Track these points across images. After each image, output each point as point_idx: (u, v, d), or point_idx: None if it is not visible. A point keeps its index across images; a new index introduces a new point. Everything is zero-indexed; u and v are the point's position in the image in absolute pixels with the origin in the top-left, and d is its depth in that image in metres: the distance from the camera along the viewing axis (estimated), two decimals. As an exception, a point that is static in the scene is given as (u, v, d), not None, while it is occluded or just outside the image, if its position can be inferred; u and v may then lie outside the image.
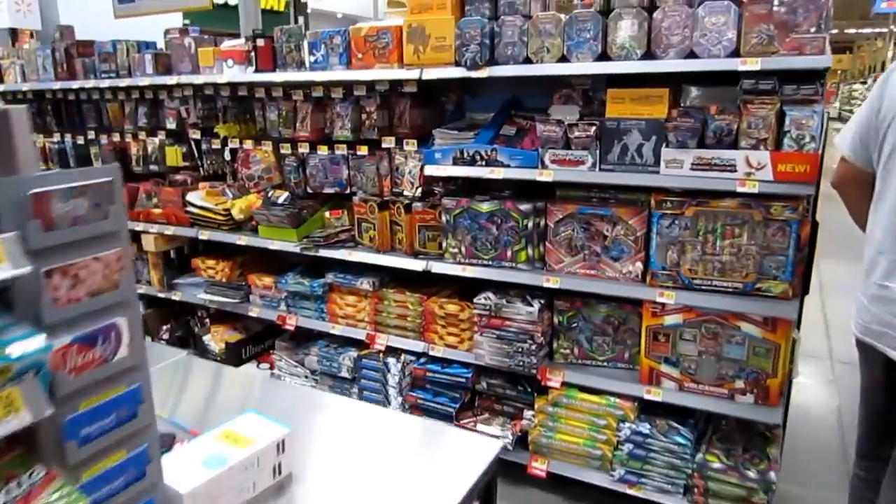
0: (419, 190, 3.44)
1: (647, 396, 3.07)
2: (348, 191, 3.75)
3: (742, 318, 2.84)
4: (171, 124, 4.46)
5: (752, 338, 2.85)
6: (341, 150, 3.67)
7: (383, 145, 3.51)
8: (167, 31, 4.35)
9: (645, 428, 3.09)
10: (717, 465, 2.96)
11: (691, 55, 2.61)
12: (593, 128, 2.87)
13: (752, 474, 2.90)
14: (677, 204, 2.83)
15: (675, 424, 3.12)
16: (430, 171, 3.29)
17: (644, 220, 2.98)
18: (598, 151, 2.91)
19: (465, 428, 3.44)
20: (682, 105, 2.81)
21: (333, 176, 3.77)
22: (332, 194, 3.85)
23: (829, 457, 3.82)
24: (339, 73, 3.44)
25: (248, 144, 4.02)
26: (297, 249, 3.74)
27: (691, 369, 2.99)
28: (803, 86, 2.53)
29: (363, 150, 3.58)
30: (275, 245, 3.83)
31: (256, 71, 3.73)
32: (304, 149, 3.80)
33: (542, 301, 3.24)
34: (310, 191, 3.89)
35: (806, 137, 2.53)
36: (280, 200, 3.82)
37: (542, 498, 3.43)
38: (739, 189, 2.67)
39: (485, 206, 3.23)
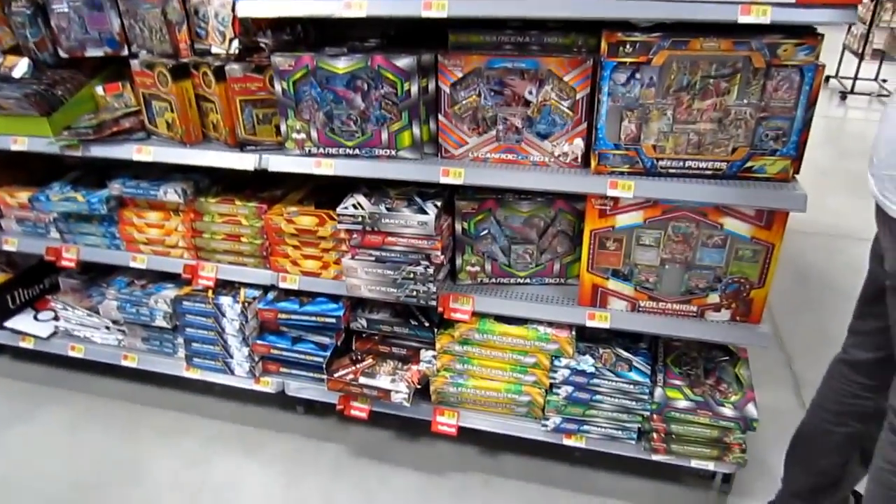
0: (235, 44, 2.19)
1: (589, 323, 2.23)
2: (126, 52, 2.42)
3: (727, 213, 2.00)
4: None
5: (737, 238, 2.03)
6: (102, -16, 2.30)
7: (168, -29, 2.19)
8: None
9: (588, 364, 2.29)
10: (682, 403, 2.23)
11: None
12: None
13: (727, 411, 2.21)
14: (642, 47, 1.83)
15: (626, 354, 2.34)
16: (248, 10, 2.03)
17: (587, 74, 1.98)
18: (518, -35, 1.82)
19: (342, 383, 2.49)
20: None
21: (97, 28, 2.41)
22: (102, 59, 2.50)
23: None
24: None
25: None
26: (57, 148, 2.43)
27: (649, 283, 2.16)
28: None
29: (137, -17, 2.24)
30: (19, 144, 2.48)
31: None
32: (37, -16, 2.37)
33: (439, 203, 2.23)
34: (64, 55, 2.50)
35: (860, -76, 1.58)
36: (16, 73, 2.43)
37: (451, 453, 2.63)
38: (742, 19, 1.71)
39: (341, 65, 2.08)
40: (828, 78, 8.72)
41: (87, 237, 2.70)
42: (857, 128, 7.47)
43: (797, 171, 1.96)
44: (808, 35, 1.79)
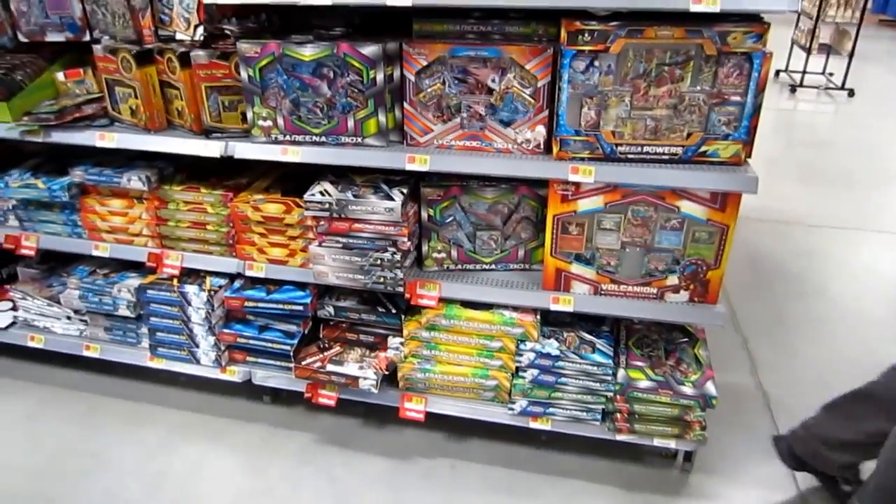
0: (200, 31, 2.19)
1: (553, 307, 2.29)
2: (87, 37, 2.39)
3: (683, 196, 2.07)
4: None
5: (693, 220, 2.11)
6: (61, -31, 2.27)
7: (130, -44, 2.17)
8: None
9: (552, 347, 2.35)
10: (644, 383, 2.31)
11: None
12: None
13: (687, 389, 2.28)
14: (599, 35, 1.89)
15: (589, 336, 2.40)
16: (213, -4, 2.05)
17: (547, 62, 2.04)
18: (481, -46, 1.86)
19: (310, 371, 2.50)
20: None
21: (58, 13, 2.38)
22: (62, 44, 2.46)
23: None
24: None
25: None
26: (17, 134, 2.39)
27: (610, 267, 2.23)
28: None
29: (98, -33, 2.22)
30: (-26, 130, 2.43)
31: None
32: (-6, -33, 2.33)
33: (405, 190, 2.26)
34: (24, 39, 2.46)
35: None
36: (-29, 57, 2.39)
37: (418, 439, 2.66)
38: (693, 7, 1.79)
39: (308, 52, 2.10)
40: (778, 72, 9.00)
41: (47, 225, 2.66)
42: (807, 119, 7.73)
43: (749, 155, 2.04)
44: (755, 23, 1.87)
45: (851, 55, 8.19)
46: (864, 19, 8.30)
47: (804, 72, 8.49)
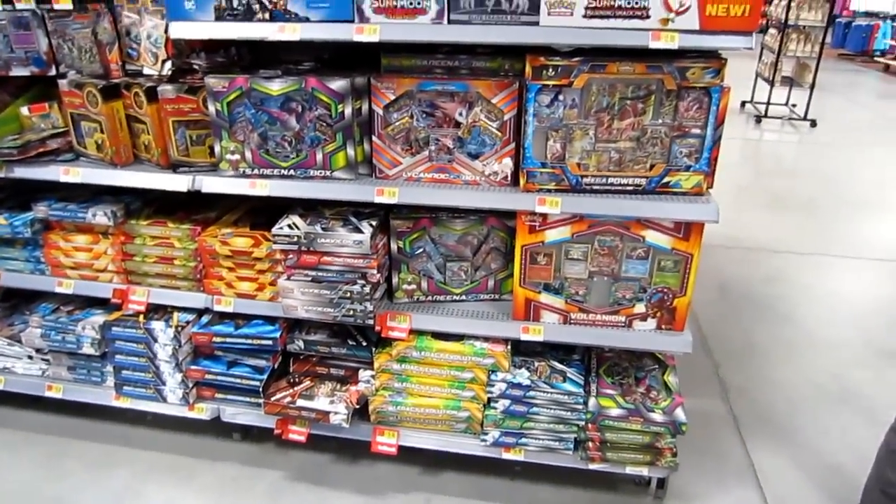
0: (168, 65, 2.19)
1: (524, 336, 2.29)
2: (53, 72, 2.38)
3: (647, 226, 2.11)
4: None
5: (658, 249, 2.14)
6: (28, 3, 2.27)
7: (97, -7, 2.18)
8: None
9: (523, 377, 2.34)
10: (615, 411, 2.31)
11: None
12: (438, -48, 1.83)
13: (657, 416, 2.29)
14: (563, 70, 1.93)
15: (560, 366, 2.41)
16: (181, 31, 2.04)
17: (514, 96, 2.07)
18: (446, -8, 1.90)
19: (280, 406, 2.46)
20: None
21: (24, 48, 2.37)
22: (28, 78, 2.45)
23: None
24: None
25: None
26: (-22, 171, 2.36)
27: (579, 296, 2.25)
28: None
29: (65, 3, 2.21)
30: (-65, 166, 2.39)
31: None
32: (-41, 4, 2.32)
33: (374, 223, 2.26)
34: (-13, 75, 2.45)
35: (754, -39, 1.73)
36: (-67, 93, 2.37)
37: (391, 473, 2.62)
38: (653, 44, 1.84)
39: (275, 87, 2.11)
40: (743, 103, 9.26)
41: (8, 262, 2.61)
42: (772, 149, 7.95)
43: (710, 186, 2.09)
44: (713, 59, 1.93)
45: (812, 87, 8.47)
46: (823, 53, 8.59)
47: (768, 103, 8.75)
